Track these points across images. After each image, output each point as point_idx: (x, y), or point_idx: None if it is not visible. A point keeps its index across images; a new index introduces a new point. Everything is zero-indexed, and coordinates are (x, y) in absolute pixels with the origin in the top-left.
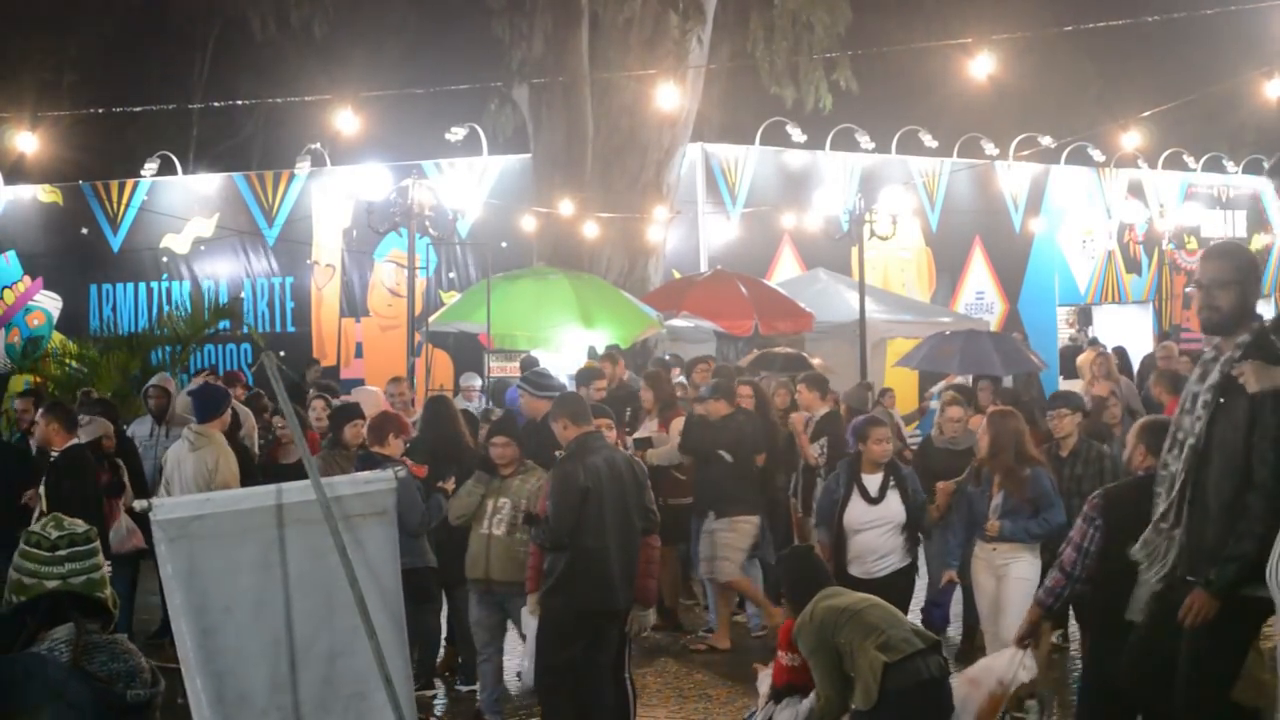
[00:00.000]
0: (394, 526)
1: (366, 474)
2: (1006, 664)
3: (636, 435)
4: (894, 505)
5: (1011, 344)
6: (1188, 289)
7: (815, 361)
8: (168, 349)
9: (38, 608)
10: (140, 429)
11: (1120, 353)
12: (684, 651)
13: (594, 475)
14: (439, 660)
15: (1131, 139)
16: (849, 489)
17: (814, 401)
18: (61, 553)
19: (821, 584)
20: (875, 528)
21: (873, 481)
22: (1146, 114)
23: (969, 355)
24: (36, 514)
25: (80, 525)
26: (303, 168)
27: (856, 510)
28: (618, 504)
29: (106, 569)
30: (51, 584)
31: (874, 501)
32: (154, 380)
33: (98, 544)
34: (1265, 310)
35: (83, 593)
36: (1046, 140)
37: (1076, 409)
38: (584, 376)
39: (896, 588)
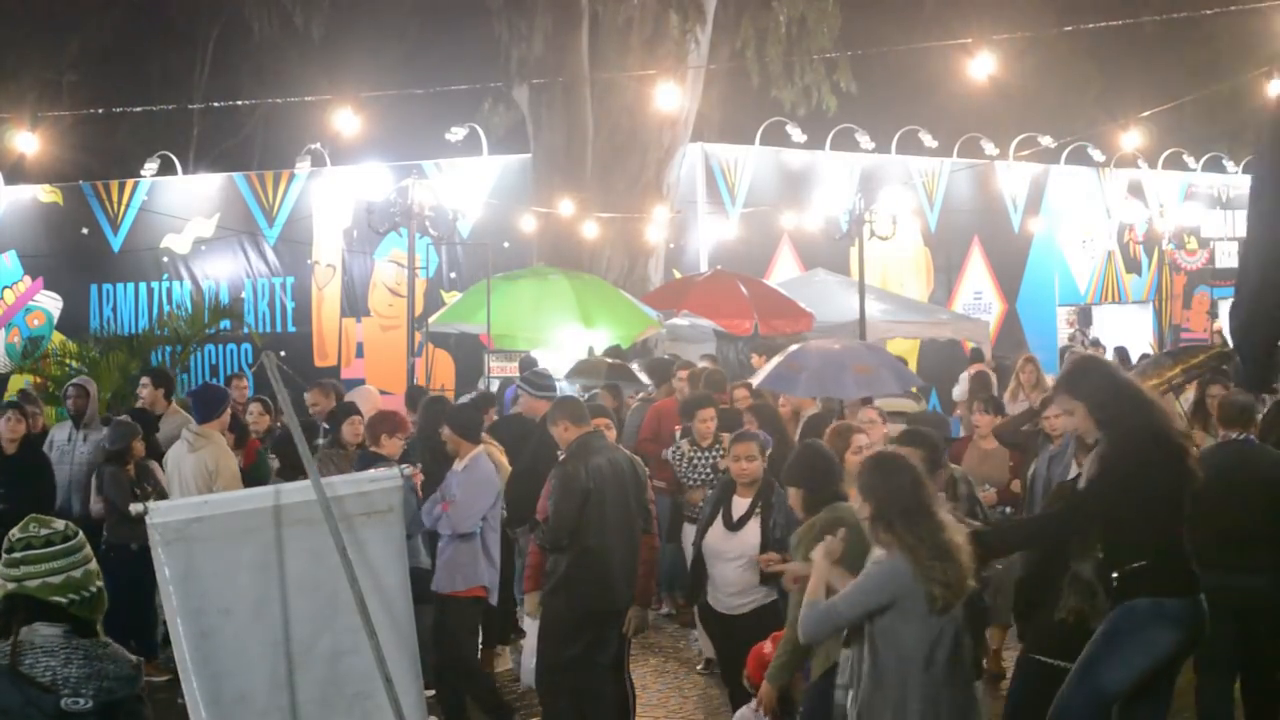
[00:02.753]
0: (400, 525)
1: (370, 473)
2: None
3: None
4: (752, 536)
5: (879, 360)
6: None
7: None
8: (168, 349)
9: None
10: (59, 433)
11: (1121, 353)
12: (684, 651)
13: (597, 476)
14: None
15: (1131, 139)
16: (715, 509)
17: (805, 401)
18: (16, 555)
19: (835, 492)
20: (730, 560)
21: (740, 504)
22: (1146, 114)
23: (820, 376)
24: None
25: (45, 529)
26: (303, 168)
27: (715, 535)
28: (619, 504)
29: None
30: (10, 586)
31: (732, 528)
32: (75, 380)
33: (65, 547)
34: None
35: (36, 597)
36: (1046, 140)
37: (947, 440)
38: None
39: (762, 627)
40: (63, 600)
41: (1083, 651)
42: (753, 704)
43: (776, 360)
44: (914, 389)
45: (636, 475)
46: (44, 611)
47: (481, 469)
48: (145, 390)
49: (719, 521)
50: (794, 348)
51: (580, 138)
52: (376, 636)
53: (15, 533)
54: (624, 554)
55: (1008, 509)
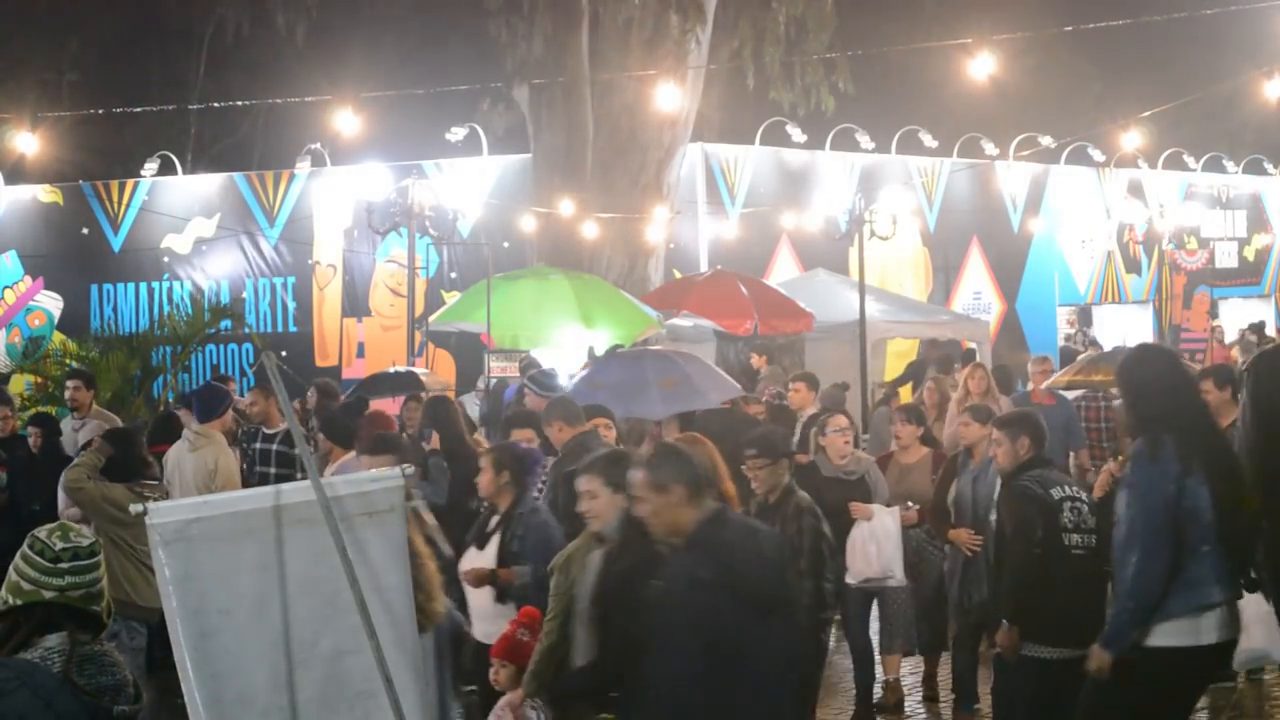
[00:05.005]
0: (401, 525)
1: (370, 472)
2: None
3: None
4: (489, 558)
5: (691, 370)
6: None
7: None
8: (168, 349)
9: (32, 615)
10: None
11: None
12: None
13: None
14: None
15: (1131, 139)
16: (479, 529)
17: (806, 401)
18: (63, 565)
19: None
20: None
21: (495, 520)
22: (1146, 114)
23: (621, 392)
24: None
25: (86, 538)
26: (303, 168)
27: (466, 558)
28: None
29: None
30: (49, 594)
31: (481, 546)
32: None
33: (101, 557)
34: (1265, 310)
35: (78, 606)
36: (1046, 140)
37: (779, 456)
38: None
39: None
40: (99, 609)
41: None
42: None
43: (580, 375)
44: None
45: None
46: (83, 621)
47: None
48: (79, 392)
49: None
50: (598, 361)
51: (580, 138)
52: (377, 637)
53: (56, 541)
54: None
55: (928, 527)
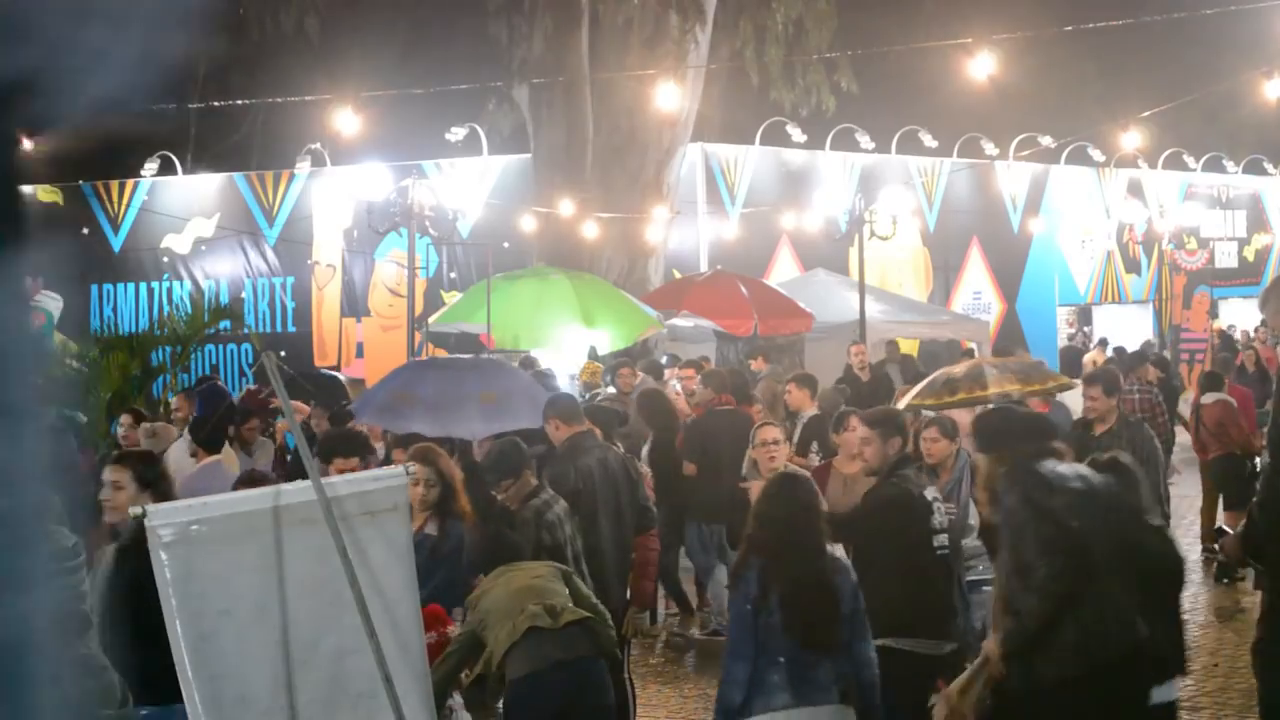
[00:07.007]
0: (405, 524)
1: (372, 472)
2: None
3: None
4: None
5: (511, 385)
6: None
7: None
8: (168, 349)
9: None
10: None
11: (1120, 353)
12: (683, 651)
13: (585, 476)
14: None
15: (1131, 139)
16: None
17: (804, 402)
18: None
19: (501, 559)
20: None
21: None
22: (1146, 114)
23: (437, 409)
24: None
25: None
26: (303, 168)
27: None
28: (611, 503)
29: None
30: None
31: None
32: None
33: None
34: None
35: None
36: (1046, 140)
37: (517, 473)
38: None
39: None
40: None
41: None
42: None
43: (388, 387)
44: None
45: (629, 474)
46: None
47: (201, 481)
48: None
49: None
50: (406, 369)
51: (580, 138)
52: (377, 637)
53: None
54: (617, 552)
55: None
